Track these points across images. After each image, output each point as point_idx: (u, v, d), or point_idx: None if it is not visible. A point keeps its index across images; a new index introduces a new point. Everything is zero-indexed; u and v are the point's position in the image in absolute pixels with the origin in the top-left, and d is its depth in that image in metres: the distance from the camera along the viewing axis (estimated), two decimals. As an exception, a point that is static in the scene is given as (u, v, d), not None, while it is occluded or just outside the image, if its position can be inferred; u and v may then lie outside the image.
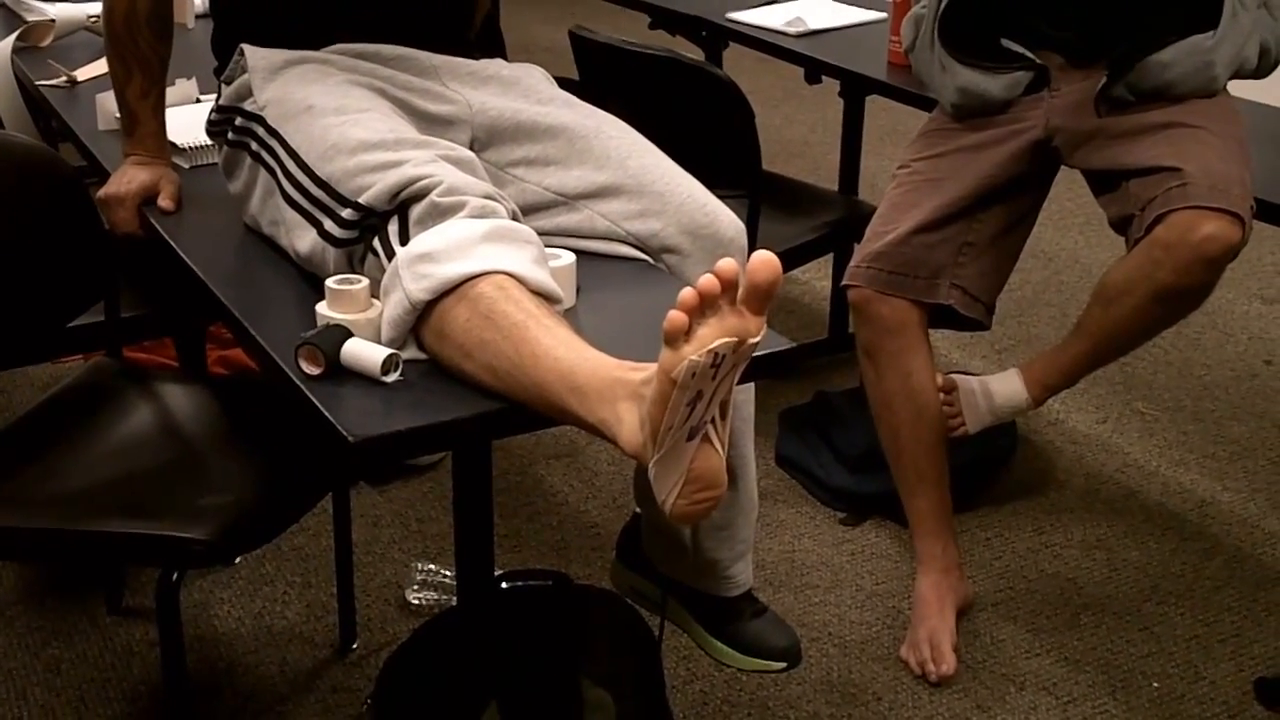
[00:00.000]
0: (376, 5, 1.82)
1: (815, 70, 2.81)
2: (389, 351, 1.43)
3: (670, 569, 2.17)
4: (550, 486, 2.67)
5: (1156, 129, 2.08)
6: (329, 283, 1.50)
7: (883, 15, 2.94)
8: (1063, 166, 2.24)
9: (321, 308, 1.50)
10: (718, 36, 3.07)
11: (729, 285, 1.20)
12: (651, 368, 1.26)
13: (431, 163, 1.54)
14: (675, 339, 1.20)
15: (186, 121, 2.11)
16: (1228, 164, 1.99)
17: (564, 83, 1.95)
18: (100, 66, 2.49)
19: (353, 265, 1.58)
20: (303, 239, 1.62)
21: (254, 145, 1.72)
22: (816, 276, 3.52)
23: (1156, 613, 2.34)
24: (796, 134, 4.73)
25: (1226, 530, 2.56)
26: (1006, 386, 2.20)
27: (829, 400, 2.75)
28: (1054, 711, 2.10)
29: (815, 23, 2.93)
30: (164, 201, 1.88)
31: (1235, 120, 2.12)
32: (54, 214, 1.97)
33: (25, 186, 1.93)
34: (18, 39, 2.67)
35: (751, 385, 1.94)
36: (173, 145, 2.00)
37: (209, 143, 1.97)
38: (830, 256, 3.06)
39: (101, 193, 1.91)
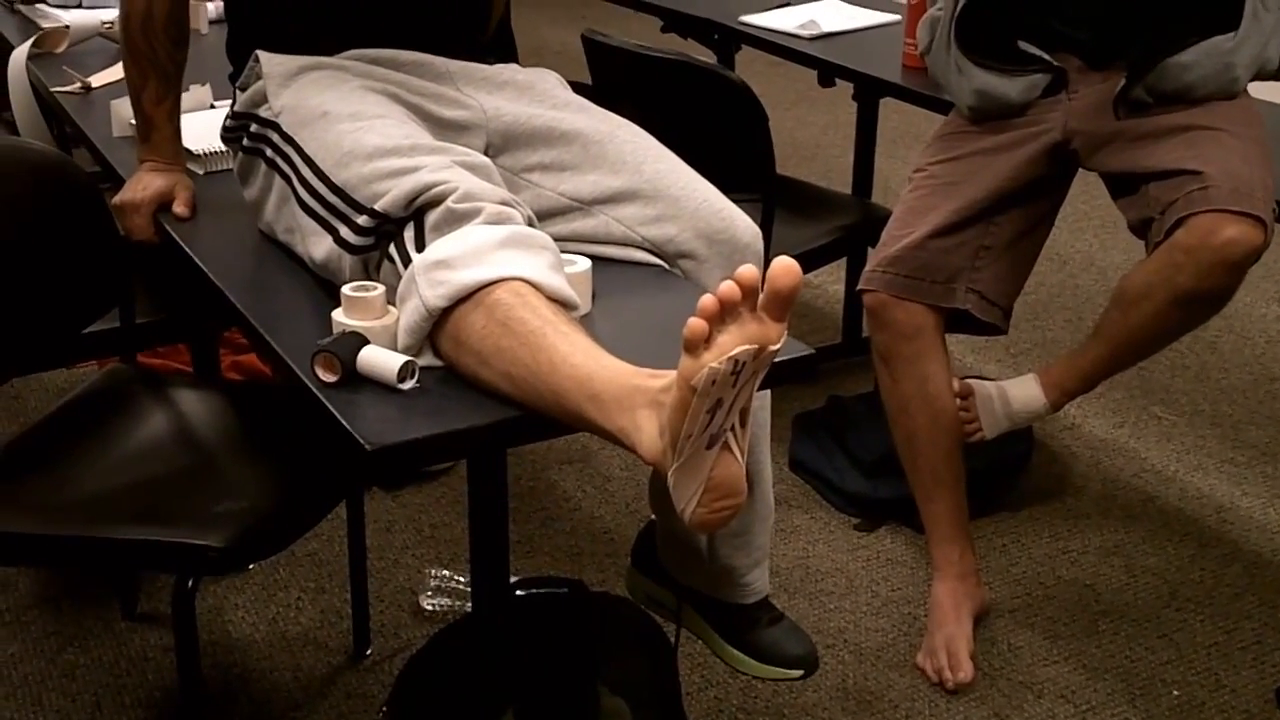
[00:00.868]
0: (391, 11, 1.81)
1: (828, 73, 2.80)
2: (405, 359, 1.42)
3: (686, 576, 2.16)
4: (563, 491, 2.66)
5: (1176, 131, 2.06)
6: (345, 290, 1.49)
7: (896, 18, 2.93)
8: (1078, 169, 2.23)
9: (337, 315, 1.49)
10: (730, 40, 3.06)
11: (749, 292, 1.19)
12: (670, 375, 1.25)
13: (447, 169, 1.53)
14: (695, 346, 1.19)
15: (201, 127, 2.11)
16: (1250, 166, 1.98)
17: (577, 87, 1.95)
18: (115, 73, 2.49)
19: (369, 272, 1.57)
20: (318, 246, 1.61)
21: (269, 151, 1.72)
22: (830, 280, 3.51)
23: (1176, 619, 2.32)
24: (809, 137, 4.72)
25: (1246, 536, 2.54)
26: (1024, 391, 2.19)
27: (843, 405, 2.74)
28: (1073, 719, 2.09)
29: (828, 25, 2.91)
30: (179, 208, 1.88)
31: (1256, 122, 2.10)
32: (69, 220, 1.97)
33: (40, 193, 1.93)
34: (33, 45, 2.67)
35: (767, 391, 1.93)
36: (187, 151, 2.00)
37: (224, 149, 1.96)
38: (844, 260, 3.05)
39: (116, 199, 1.91)
